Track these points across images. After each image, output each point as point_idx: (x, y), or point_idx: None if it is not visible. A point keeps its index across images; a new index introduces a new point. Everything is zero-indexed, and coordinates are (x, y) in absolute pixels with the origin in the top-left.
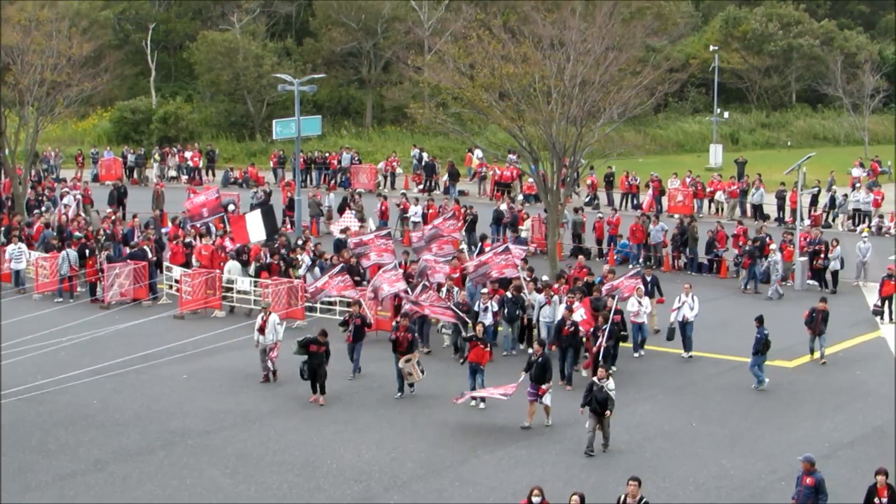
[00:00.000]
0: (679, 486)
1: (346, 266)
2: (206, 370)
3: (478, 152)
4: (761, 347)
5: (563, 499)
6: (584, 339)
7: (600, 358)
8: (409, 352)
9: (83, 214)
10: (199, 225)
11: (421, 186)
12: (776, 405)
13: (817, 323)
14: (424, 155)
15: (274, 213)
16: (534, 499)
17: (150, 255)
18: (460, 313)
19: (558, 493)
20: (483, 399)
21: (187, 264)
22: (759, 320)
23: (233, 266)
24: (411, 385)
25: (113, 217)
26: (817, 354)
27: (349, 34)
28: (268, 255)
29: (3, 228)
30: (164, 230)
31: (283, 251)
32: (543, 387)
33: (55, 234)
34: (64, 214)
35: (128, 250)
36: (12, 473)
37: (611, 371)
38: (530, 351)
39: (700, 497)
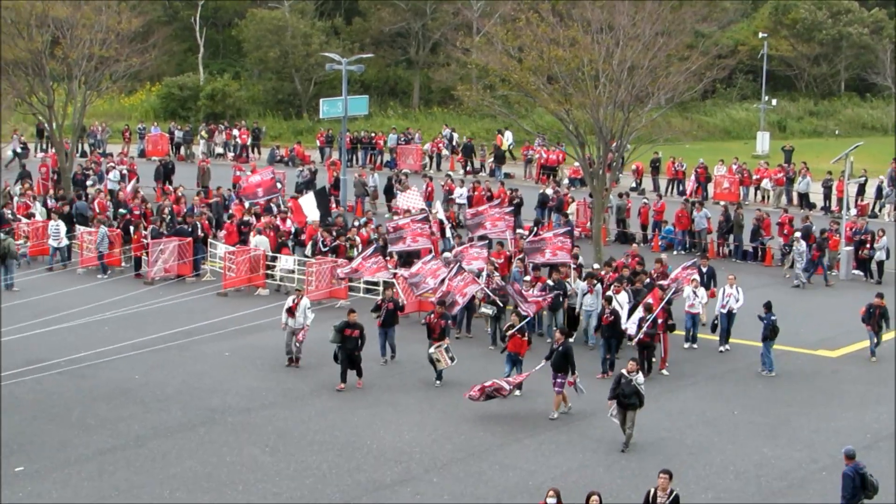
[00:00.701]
0: (719, 474)
1: (380, 247)
2: (248, 348)
3: (508, 134)
4: (769, 333)
5: (601, 484)
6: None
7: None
8: (442, 339)
9: (141, 192)
10: (258, 203)
11: (468, 168)
12: (818, 394)
13: (875, 319)
14: (455, 135)
15: (327, 194)
16: (549, 500)
17: (197, 232)
18: (493, 296)
19: (598, 480)
20: (520, 386)
21: (243, 244)
22: (767, 306)
23: (259, 241)
24: (439, 376)
25: (178, 194)
26: (867, 345)
27: (398, 14)
28: (324, 237)
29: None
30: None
31: (339, 231)
32: (570, 378)
33: (112, 209)
34: (120, 191)
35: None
36: (52, 447)
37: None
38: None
39: (740, 485)
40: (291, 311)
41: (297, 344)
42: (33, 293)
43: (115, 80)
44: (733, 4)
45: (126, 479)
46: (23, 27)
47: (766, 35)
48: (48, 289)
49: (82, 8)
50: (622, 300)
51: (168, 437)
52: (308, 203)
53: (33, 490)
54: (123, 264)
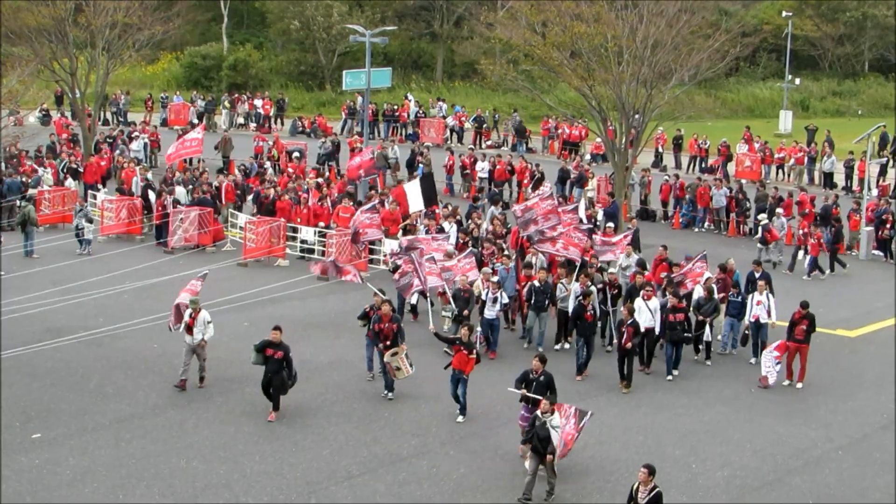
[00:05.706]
0: (735, 451)
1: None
2: (267, 319)
3: (412, 96)
4: (736, 312)
5: (616, 461)
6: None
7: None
8: (395, 344)
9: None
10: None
11: (489, 142)
12: (836, 374)
13: None
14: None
15: (433, 181)
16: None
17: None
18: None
19: (614, 455)
20: (462, 411)
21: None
22: (735, 285)
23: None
24: (390, 387)
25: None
26: (887, 324)
27: None
28: (428, 226)
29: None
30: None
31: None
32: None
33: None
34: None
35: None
36: (70, 415)
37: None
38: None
39: (757, 463)
40: (189, 328)
41: (202, 361)
42: (53, 260)
43: (138, 49)
44: None
45: (142, 447)
46: None
47: (790, 14)
48: (67, 257)
49: None
50: (653, 306)
51: (185, 407)
52: (413, 190)
53: (50, 457)
54: (144, 232)
